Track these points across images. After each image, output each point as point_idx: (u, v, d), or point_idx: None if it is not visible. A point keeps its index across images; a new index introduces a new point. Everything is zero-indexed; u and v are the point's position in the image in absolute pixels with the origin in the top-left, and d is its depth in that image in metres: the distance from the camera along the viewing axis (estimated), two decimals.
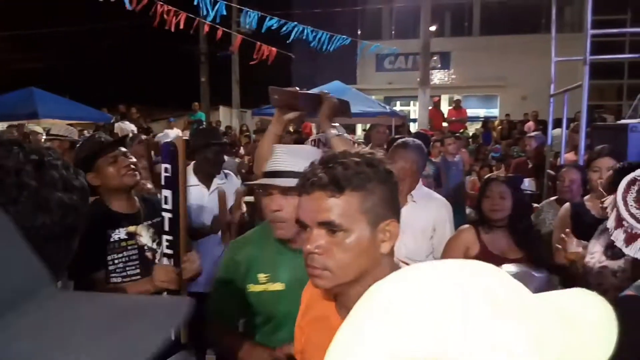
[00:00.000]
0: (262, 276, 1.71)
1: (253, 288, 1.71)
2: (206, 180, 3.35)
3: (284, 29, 8.61)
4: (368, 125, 9.07)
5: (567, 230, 2.32)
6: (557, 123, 5.97)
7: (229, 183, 3.50)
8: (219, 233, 3.34)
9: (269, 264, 1.71)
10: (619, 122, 5.03)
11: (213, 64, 17.42)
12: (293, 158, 1.61)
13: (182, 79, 18.94)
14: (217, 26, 8.49)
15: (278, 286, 1.68)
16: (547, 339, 0.53)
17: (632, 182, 1.47)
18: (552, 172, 4.80)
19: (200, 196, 3.30)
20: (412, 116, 16.49)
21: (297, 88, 2.11)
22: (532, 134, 6.99)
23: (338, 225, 1.03)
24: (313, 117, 2.09)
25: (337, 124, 2.11)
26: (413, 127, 13.91)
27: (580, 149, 4.42)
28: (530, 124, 12.02)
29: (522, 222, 2.65)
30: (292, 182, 1.54)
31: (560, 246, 2.28)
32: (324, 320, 1.18)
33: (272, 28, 8.48)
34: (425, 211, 2.76)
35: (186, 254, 1.97)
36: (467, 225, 2.75)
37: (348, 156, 1.07)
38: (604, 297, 0.63)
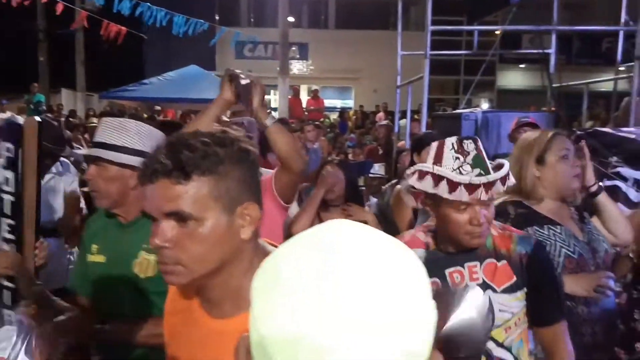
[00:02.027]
0: (94, 247, 1.75)
1: (89, 258, 1.77)
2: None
3: (136, 10, 8.03)
4: (229, 113, 8.92)
5: None
6: (405, 114, 6.45)
7: (65, 175, 3.05)
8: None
9: (101, 236, 1.76)
10: (454, 111, 5.59)
11: (54, 42, 15.77)
12: (112, 131, 1.65)
13: (16, 58, 16.87)
14: (58, 0, 7.68)
15: (101, 258, 1.72)
16: None
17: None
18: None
19: None
20: (272, 105, 16.62)
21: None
22: (382, 122, 7.48)
23: (188, 214, 0.94)
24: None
25: (270, 112, 2.03)
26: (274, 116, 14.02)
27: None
28: (381, 114, 12.81)
29: (355, 201, 2.94)
30: (97, 152, 1.63)
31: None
32: (187, 312, 1.10)
33: (122, 10, 7.87)
34: None
35: (38, 241, 1.86)
36: None
37: (196, 137, 0.97)
38: None
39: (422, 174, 1.50)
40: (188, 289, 1.11)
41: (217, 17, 15.63)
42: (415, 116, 6.61)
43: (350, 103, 18.54)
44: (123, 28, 8.35)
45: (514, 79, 18.59)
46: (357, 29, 17.26)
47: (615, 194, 2.96)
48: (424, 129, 4.79)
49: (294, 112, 13.12)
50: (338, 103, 18.26)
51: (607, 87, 6.35)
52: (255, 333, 0.59)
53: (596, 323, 1.85)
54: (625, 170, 3.18)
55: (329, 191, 2.85)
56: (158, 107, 10.34)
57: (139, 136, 1.65)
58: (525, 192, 1.96)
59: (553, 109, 5.23)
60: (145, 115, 8.91)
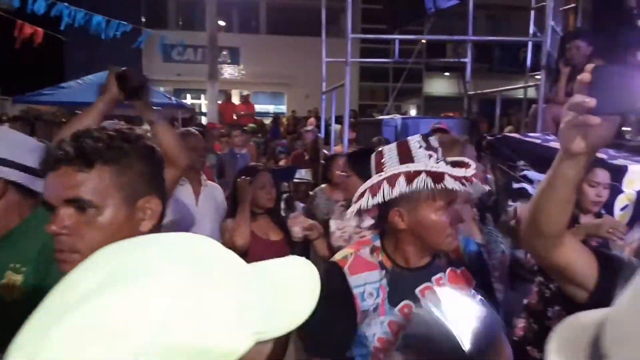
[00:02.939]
0: None
1: None
2: None
3: (52, 11, 7.62)
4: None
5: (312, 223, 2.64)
6: (336, 119, 6.54)
7: None
8: None
9: None
10: (377, 117, 5.74)
11: None
12: None
13: None
14: None
15: None
16: (250, 303, 0.56)
17: (378, 153, 1.50)
18: (324, 162, 5.25)
19: None
20: (203, 109, 16.33)
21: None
22: (308, 128, 7.52)
23: (88, 201, 0.95)
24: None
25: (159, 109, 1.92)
26: (204, 121, 13.79)
27: (344, 140, 4.90)
28: (312, 120, 12.87)
29: (280, 206, 2.96)
30: None
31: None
32: None
33: (37, 9, 7.44)
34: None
35: None
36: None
37: (101, 131, 0.99)
38: None
39: (412, 176, 1.35)
40: None
41: (143, 19, 15.17)
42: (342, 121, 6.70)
43: (283, 108, 18.55)
44: (39, 29, 7.93)
45: (439, 86, 19.33)
46: (288, 35, 17.31)
47: (522, 196, 3.15)
48: (346, 134, 4.88)
49: (225, 118, 12.95)
50: (271, 108, 18.23)
51: (521, 94, 6.75)
52: None
53: None
54: (532, 174, 3.39)
55: (268, 199, 2.77)
56: (79, 112, 9.86)
57: (2, 143, 1.51)
58: None
59: (466, 115, 5.48)
60: (63, 120, 8.48)
